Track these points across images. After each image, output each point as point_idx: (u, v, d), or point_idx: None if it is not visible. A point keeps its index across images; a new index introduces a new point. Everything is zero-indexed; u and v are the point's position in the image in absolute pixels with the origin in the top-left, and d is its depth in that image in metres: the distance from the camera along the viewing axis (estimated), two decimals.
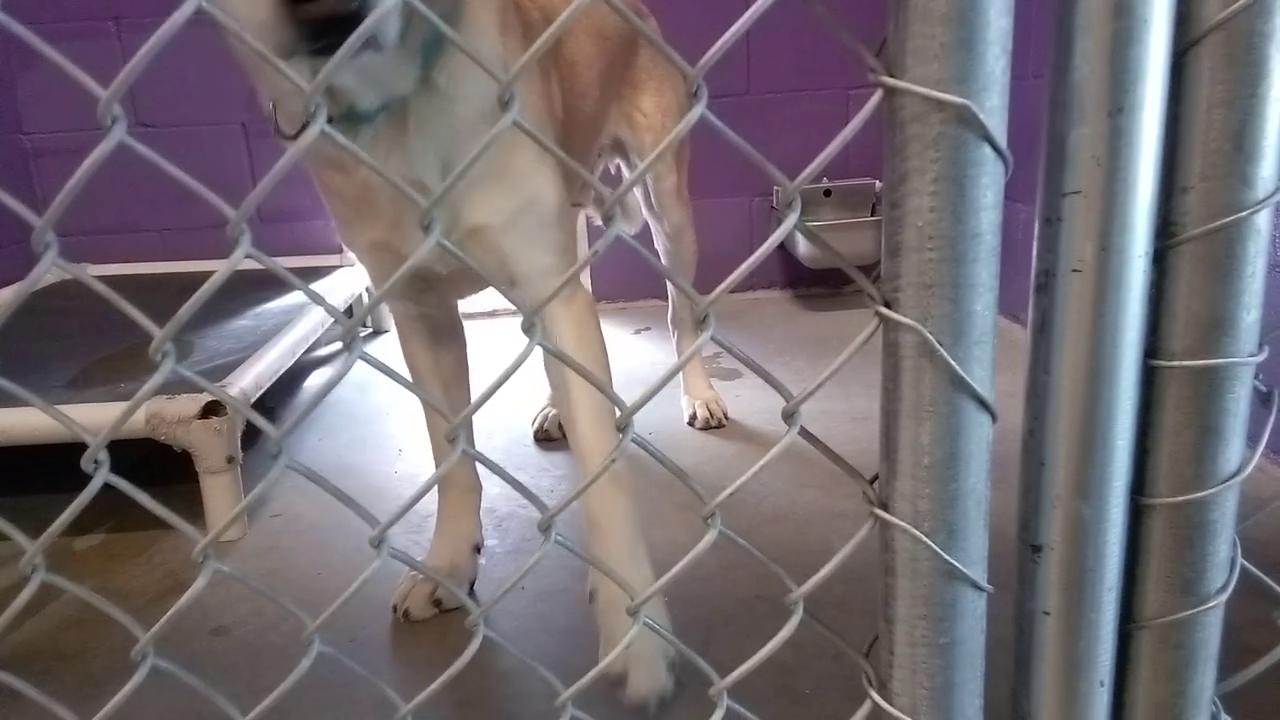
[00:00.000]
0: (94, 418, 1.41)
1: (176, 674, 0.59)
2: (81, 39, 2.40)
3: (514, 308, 1.47)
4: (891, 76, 0.46)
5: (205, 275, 0.47)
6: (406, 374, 1.80)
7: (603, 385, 0.58)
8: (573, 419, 1.05)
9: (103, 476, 0.52)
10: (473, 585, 1.28)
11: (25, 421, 1.40)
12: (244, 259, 0.48)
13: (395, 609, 1.21)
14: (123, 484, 0.54)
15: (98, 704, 0.58)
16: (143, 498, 0.55)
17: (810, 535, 1.35)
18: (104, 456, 0.52)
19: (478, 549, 1.30)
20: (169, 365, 0.49)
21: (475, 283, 1.22)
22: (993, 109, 0.46)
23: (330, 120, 0.93)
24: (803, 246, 2.44)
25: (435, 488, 1.27)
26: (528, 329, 0.52)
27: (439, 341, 1.25)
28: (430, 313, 1.23)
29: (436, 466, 1.31)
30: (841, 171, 2.58)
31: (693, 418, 1.80)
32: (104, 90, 0.45)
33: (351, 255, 2.58)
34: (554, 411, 1.79)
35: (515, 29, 1.05)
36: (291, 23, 0.72)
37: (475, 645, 0.56)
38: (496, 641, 0.58)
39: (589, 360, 1.08)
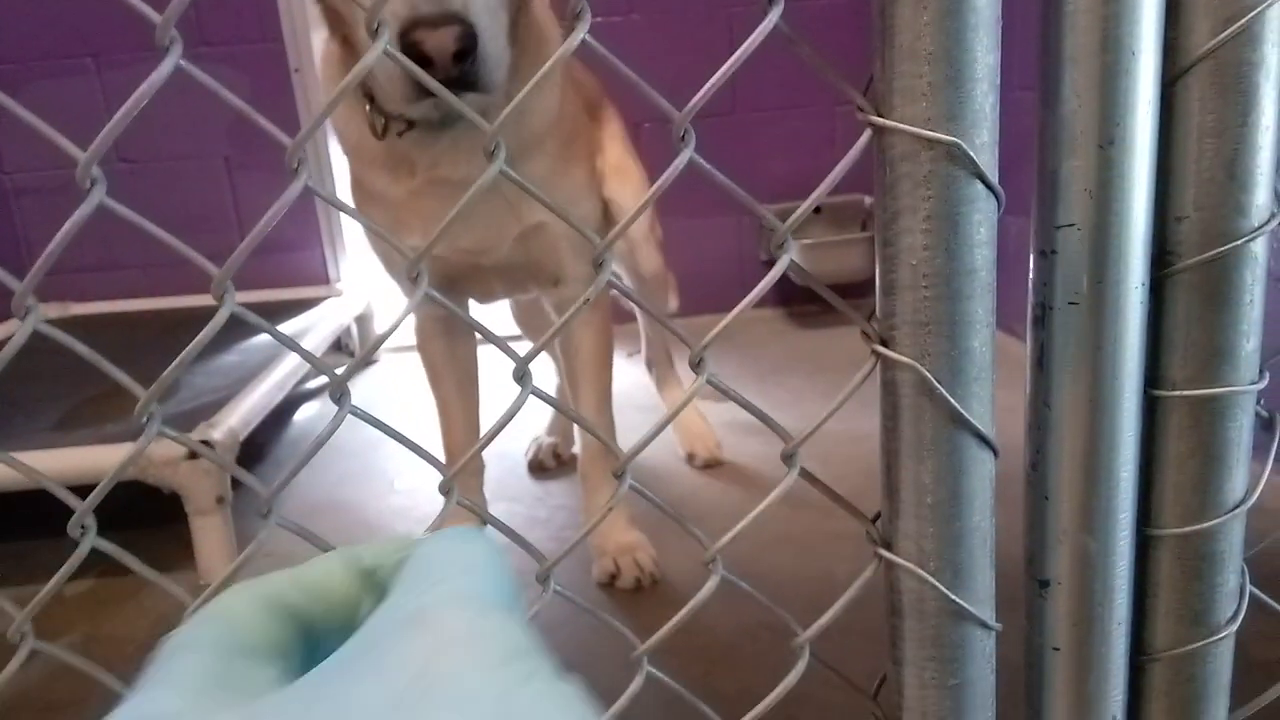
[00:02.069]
0: (80, 463, 1.39)
1: None
2: (60, 77, 2.40)
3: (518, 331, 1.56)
4: (880, 115, 0.46)
5: (190, 311, 0.46)
6: (394, 415, 1.80)
7: (605, 434, 0.62)
8: (579, 408, 1.35)
9: (89, 542, 0.51)
10: None
11: (6, 470, 1.38)
12: (223, 308, 0.47)
13: None
14: (110, 547, 0.53)
15: None
16: (131, 560, 0.53)
17: (812, 559, 1.34)
18: (90, 521, 0.51)
19: (482, 524, 1.32)
20: (154, 428, 0.48)
21: (511, 280, 1.32)
22: (983, 145, 0.46)
23: (413, 125, 1.07)
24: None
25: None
26: (519, 378, 0.51)
27: (455, 340, 1.36)
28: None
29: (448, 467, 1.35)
30: (830, 189, 2.59)
31: (691, 456, 1.75)
32: (82, 151, 0.44)
33: (340, 286, 2.57)
34: (548, 440, 1.78)
35: (569, 78, 1.26)
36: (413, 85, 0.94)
37: None
38: None
39: (600, 362, 1.34)
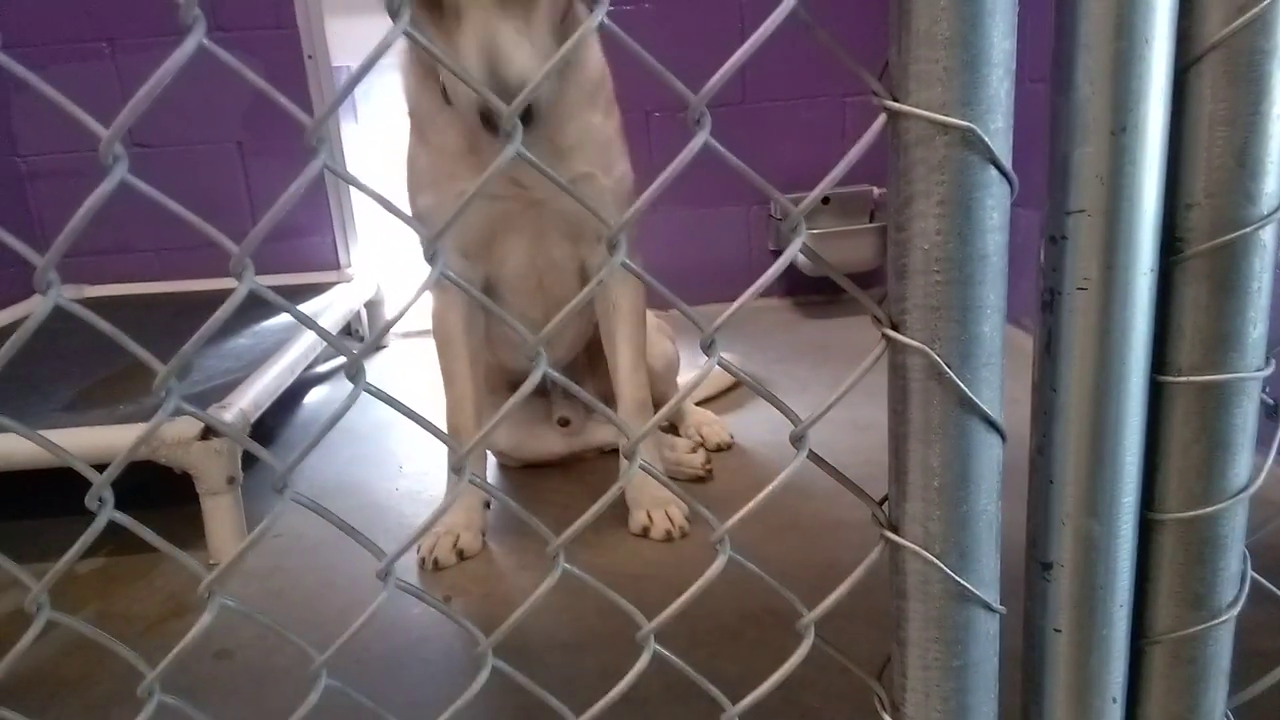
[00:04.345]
0: (94, 443, 1.40)
1: (183, 708, 0.59)
2: (76, 61, 2.40)
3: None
4: (895, 100, 0.46)
5: (203, 294, 0.47)
6: (403, 399, 1.80)
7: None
8: (616, 369, 1.42)
9: (107, 515, 0.52)
10: (484, 535, 1.44)
11: (24, 448, 1.40)
12: (241, 285, 0.48)
13: (423, 562, 1.36)
14: (126, 520, 0.54)
15: None
16: (146, 533, 0.54)
17: (817, 546, 1.35)
18: (108, 495, 0.52)
19: (487, 504, 1.47)
20: (172, 403, 0.48)
21: (555, 231, 1.37)
22: (997, 131, 0.46)
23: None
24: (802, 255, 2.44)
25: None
26: (532, 357, 0.52)
27: (473, 316, 1.42)
28: (479, 273, 1.40)
29: (450, 433, 1.44)
30: (840, 178, 2.59)
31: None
32: (104, 129, 0.45)
33: (350, 271, 2.58)
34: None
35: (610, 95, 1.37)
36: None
37: (484, 676, 0.56)
38: (503, 670, 0.58)
39: (637, 319, 1.42)
